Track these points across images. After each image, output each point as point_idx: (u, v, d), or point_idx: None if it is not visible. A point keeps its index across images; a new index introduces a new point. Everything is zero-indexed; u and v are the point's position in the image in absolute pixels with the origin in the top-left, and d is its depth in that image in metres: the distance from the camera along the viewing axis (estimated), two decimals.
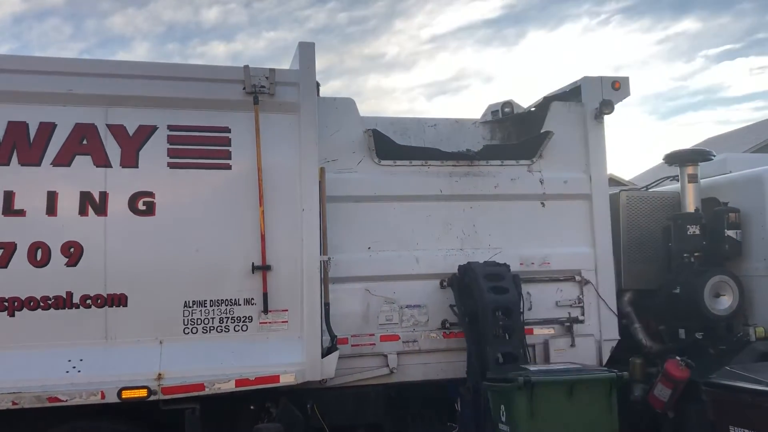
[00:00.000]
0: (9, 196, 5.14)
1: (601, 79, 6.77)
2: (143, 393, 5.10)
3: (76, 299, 5.18)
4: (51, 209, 5.19)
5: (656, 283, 6.74)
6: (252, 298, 5.50)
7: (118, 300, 5.25)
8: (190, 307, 5.38)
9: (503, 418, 5.11)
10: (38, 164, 5.22)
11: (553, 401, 4.93)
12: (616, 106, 6.65)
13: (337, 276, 5.86)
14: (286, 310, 5.57)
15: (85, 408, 5.06)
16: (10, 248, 5.09)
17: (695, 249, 6.52)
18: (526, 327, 6.04)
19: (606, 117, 6.65)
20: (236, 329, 5.47)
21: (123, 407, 5.16)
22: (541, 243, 6.41)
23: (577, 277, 6.46)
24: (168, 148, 5.47)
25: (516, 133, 7.30)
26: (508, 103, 7.30)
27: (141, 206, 5.35)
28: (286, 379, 5.41)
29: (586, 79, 6.81)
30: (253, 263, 5.48)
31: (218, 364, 5.31)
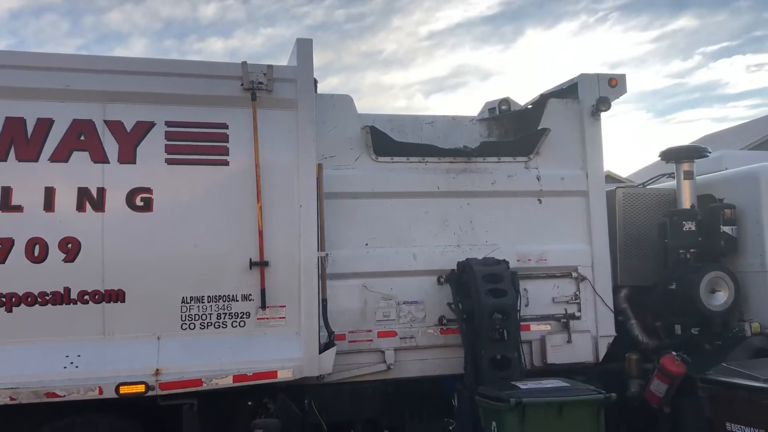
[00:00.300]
0: (6, 191, 5.13)
1: (598, 76, 6.79)
2: (141, 388, 5.10)
3: (73, 295, 5.18)
4: (48, 205, 5.19)
5: (652, 279, 6.77)
6: (250, 294, 5.51)
7: (116, 296, 5.25)
8: (187, 302, 5.39)
9: None
10: (36, 160, 5.21)
11: (543, 421, 5.07)
12: (613, 104, 6.67)
13: (334, 272, 5.87)
14: (284, 306, 5.57)
15: (83, 403, 5.06)
16: (8, 244, 5.08)
17: (691, 245, 6.54)
18: (522, 323, 6.08)
19: (603, 114, 6.68)
20: (234, 325, 5.48)
21: (121, 403, 5.17)
22: (537, 239, 6.43)
23: (574, 274, 6.49)
24: (166, 144, 5.47)
25: (513, 130, 7.31)
26: (505, 101, 7.32)
27: (139, 202, 5.36)
28: (284, 375, 5.42)
29: (583, 76, 6.82)
30: (250, 259, 5.48)
31: (216, 360, 5.32)
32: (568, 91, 6.96)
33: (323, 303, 5.70)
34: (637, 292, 6.86)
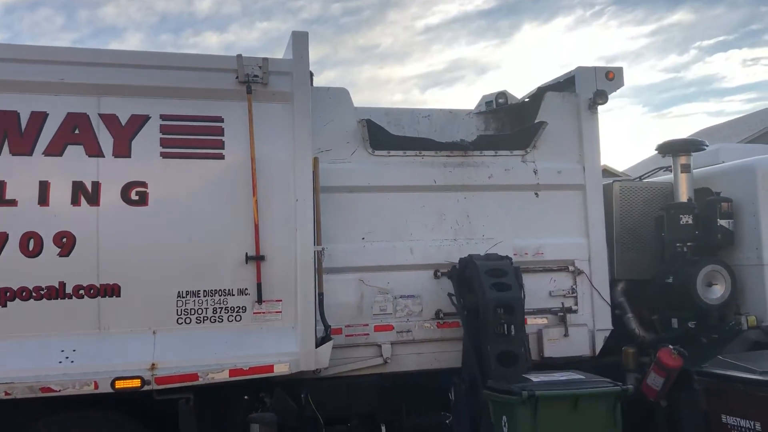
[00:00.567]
0: (1, 185, 5.10)
1: (595, 69, 6.78)
2: (137, 383, 5.09)
3: (68, 289, 5.15)
4: (43, 199, 5.16)
5: (649, 272, 6.76)
6: (246, 289, 5.49)
7: (111, 290, 5.23)
8: (183, 297, 5.37)
9: (505, 429, 5.05)
10: (30, 154, 5.18)
11: (556, 415, 4.88)
12: (610, 98, 6.66)
13: (331, 266, 5.86)
14: (280, 301, 5.56)
15: (78, 398, 5.04)
16: (2, 238, 5.05)
17: (688, 239, 6.54)
18: None
19: (600, 107, 6.67)
20: (230, 319, 5.46)
21: (116, 397, 5.15)
22: (534, 233, 6.43)
23: (571, 267, 6.48)
24: (161, 138, 5.44)
25: (510, 123, 7.30)
26: (502, 94, 7.30)
27: (134, 196, 5.33)
28: (280, 369, 5.41)
29: (580, 69, 6.81)
30: (246, 253, 5.46)
31: (212, 354, 5.30)
32: (565, 84, 6.94)
33: (320, 297, 5.68)
34: (633, 285, 6.85)
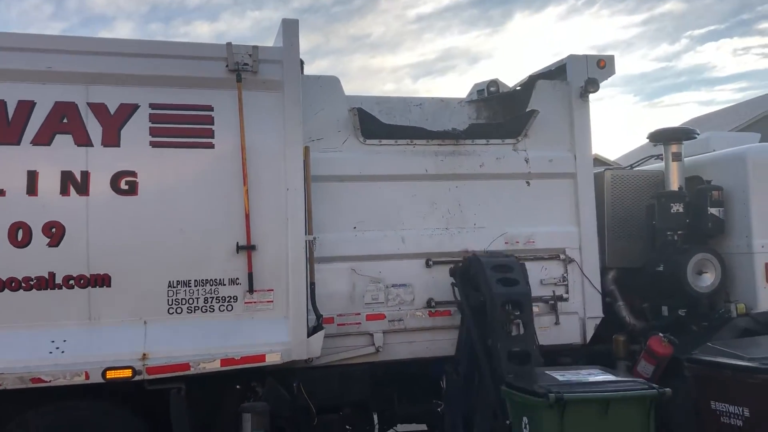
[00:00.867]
0: None
1: (587, 57, 6.76)
2: (128, 373, 5.07)
3: (58, 280, 5.12)
4: (32, 189, 5.12)
5: (640, 261, 6.79)
6: (237, 278, 5.47)
7: (102, 280, 5.20)
8: (174, 287, 5.35)
9: (526, 431, 4.71)
10: (17, 143, 5.13)
11: (585, 420, 4.47)
12: (601, 87, 6.65)
13: (322, 256, 5.85)
14: (272, 290, 5.55)
15: (69, 389, 5.02)
16: None
17: (679, 227, 6.56)
18: None
19: (591, 96, 6.66)
20: (221, 309, 5.45)
21: (108, 388, 5.14)
22: (526, 222, 6.43)
23: (562, 256, 6.49)
24: (150, 127, 5.39)
25: (502, 112, 7.28)
26: (494, 82, 7.28)
27: (123, 186, 5.29)
28: (272, 359, 5.41)
29: (571, 57, 6.80)
30: (237, 243, 5.44)
31: (203, 344, 5.29)
32: (557, 72, 6.93)
33: (311, 286, 5.67)
34: (624, 273, 6.88)
